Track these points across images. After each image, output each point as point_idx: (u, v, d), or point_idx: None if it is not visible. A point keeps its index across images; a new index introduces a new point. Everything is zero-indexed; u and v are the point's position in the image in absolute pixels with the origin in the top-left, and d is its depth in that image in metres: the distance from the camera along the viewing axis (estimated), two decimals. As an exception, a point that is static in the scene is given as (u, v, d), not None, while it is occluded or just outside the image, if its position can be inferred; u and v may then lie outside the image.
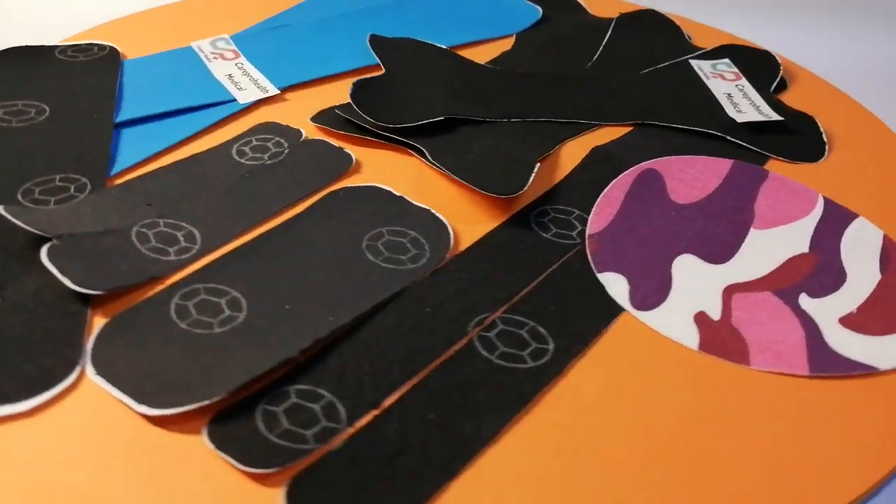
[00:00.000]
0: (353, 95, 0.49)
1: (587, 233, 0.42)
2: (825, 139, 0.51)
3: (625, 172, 0.46)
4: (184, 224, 0.42)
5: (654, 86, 0.55)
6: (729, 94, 0.54)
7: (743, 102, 0.53)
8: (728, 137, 0.51)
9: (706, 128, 0.51)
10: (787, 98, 0.56)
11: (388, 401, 0.33)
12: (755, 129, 0.51)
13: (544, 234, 0.42)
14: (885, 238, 0.43)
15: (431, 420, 0.32)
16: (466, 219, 0.43)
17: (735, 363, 0.36)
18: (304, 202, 0.44)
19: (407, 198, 0.44)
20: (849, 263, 0.41)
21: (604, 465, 0.31)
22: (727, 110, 0.52)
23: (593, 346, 0.36)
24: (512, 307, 0.38)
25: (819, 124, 0.52)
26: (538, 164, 0.46)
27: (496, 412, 0.33)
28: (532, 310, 0.38)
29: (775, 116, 0.51)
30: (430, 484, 0.30)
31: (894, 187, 0.48)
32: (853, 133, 0.53)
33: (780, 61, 0.58)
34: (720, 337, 0.37)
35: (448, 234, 0.41)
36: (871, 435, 0.33)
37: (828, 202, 0.45)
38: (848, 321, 0.38)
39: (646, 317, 0.37)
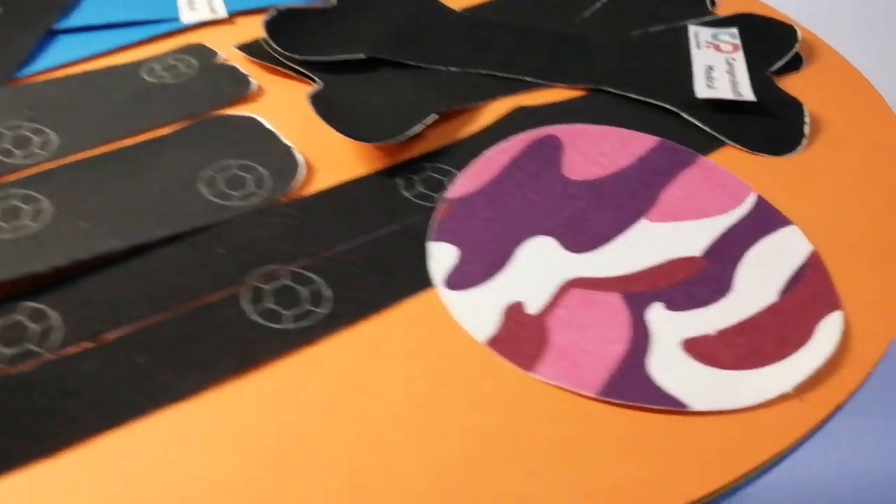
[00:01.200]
0: (268, 23, 0.46)
1: (446, 196, 0.37)
2: (806, 132, 0.42)
3: (520, 135, 0.40)
4: (47, 130, 0.41)
5: (630, 50, 0.48)
6: (710, 67, 0.46)
7: (721, 77, 0.45)
8: (683, 114, 0.43)
9: (663, 101, 0.44)
10: (802, 82, 0.47)
11: (113, 335, 0.30)
12: (722, 110, 0.43)
13: (404, 192, 0.37)
14: (812, 256, 0.34)
15: (137, 363, 0.29)
16: (337, 165, 0.39)
17: (517, 367, 0.30)
18: (180, 124, 0.41)
19: (278, 134, 0.40)
20: (743, 278, 0.33)
21: (308, 450, 0.27)
22: (696, 84, 0.44)
23: (372, 320, 0.32)
24: (314, 263, 0.34)
25: (805, 114, 0.43)
26: (434, 116, 0.41)
27: (209, 370, 0.29)
28: (333, 269, 0.33)
29: (749, 97, 0.43)
30: (79, 430, 0.27)
31: (871, 200, 0.39)
32: (857, 132, 0.43)
33: (799, 37, 0.49)
34: (520, 335, 0.31)
35: (294, 176, 0.38)
36: (613, 486, 0.27)
37: (760, 203, 0.37)
38: (694, 345, 0.31)
39: (450, 297, 0.32)
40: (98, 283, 0.32)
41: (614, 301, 0.32)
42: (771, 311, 0.32)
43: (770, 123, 0.43)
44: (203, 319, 0.31)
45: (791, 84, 0.47)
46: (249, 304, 0.32)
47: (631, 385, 0.29)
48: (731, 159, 0.40)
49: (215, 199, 0.37)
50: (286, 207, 0.36)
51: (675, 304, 0.32)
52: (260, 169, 0.38)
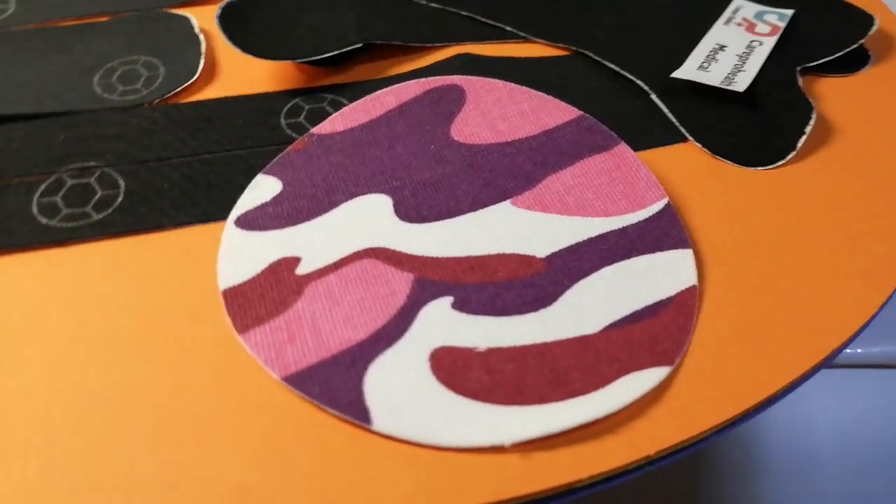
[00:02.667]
0: (220, 18, 0.37)
1: (311, 130, 0.33)
2: (797, 145, 0.33)
3: (422, 80, 0.34)
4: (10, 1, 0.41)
5: (639, 17, 0.40)
6: (721, 47, 0.37)
7: (725, 61, 0.36)
8: (651, 95, 0.35)
9: (638, 77, 0.36)
10: (856, 85, 0.37)
11: None
12: (708, 100, 0.35)
13: (282, 120, 0.34)
14: (687, 293, 0.27)
15: None
16: (240, 81, 0.36)
17: (232, 325, 0.26)
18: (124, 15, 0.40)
19: (201, 38, 0.38)
20: (576, 296, 0.26)
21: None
22: (685, 64, 0.36)
23: (141, 238, 0.29)
24: (132, 169, 0.31)
25: (808, 125, 0.34)
26: (356, 44, 0.36)
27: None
28: (145, 178, 0.31)
29: (738, 87, 0.34)
30: None
31: (834, 248, 0.29)
32: (879, 157, 0.33)
33: (871, 31, 0.38)
34: (267, 294, 0.26)
35: (186, 81, 0.35)
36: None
37: (663, 214, 0.29)
38: (444, 357, 0.24)
39: (230, 235, 0.28)
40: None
41: (401, 284, 0.27)
42: (574, 344, 0.25)
43: (758, 126, 0.34)
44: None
45: (839, 85, 0.37)
46: (38, 195, 0.30)
47: (329, 380, 0.24)
48: (706, 160, 0.32)
49: (98, 91, 0.35)
50: (152, 110, 0.34)
51: (466, 305, 0.26)
52: (161, 68, 0.36)
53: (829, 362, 0.25)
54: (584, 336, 0.25)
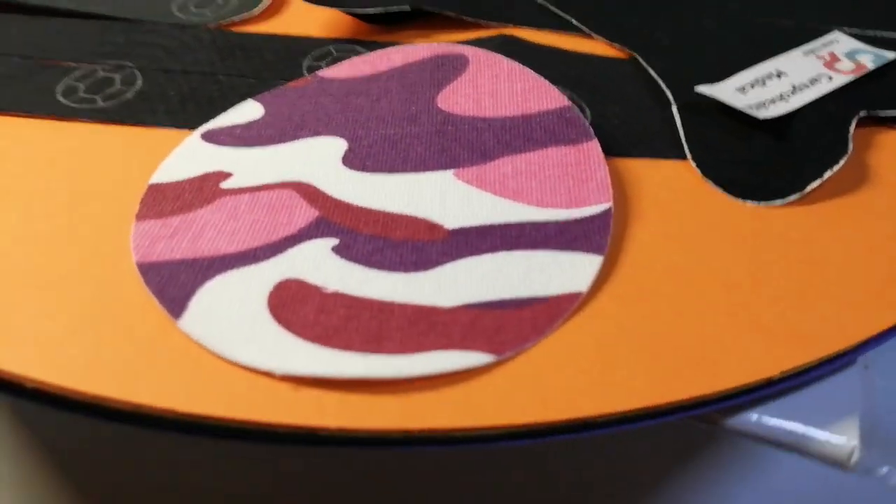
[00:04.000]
0: None
1: (316, 73, 0.34)
2: (807, 188, 0.29)
3: (434, 45, 0.34)
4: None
5: (715, 29, 0.37)
6: (776, 74, 0.33)
7: (771, 86, 0.32)
8: (672, 108, 0.33)
9: (669, 88, 0.33)
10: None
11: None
12: (731, 124, 0.31)
13: (301, 60, 0.36)
14: (570, 297, 0.25)
15: None
16: (296, 21, 0.38)
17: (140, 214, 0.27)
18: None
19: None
20: (459, 270, 0.25)
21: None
22: (724, 82, 0.33)
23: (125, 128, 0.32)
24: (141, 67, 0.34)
25: (831, 169, 0.29)
26: (405, 7, 0.37)
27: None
28: (157, 81, 0.34)
29: (758, 114, 0.31)
30: None
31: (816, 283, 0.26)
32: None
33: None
34: (184, 193, 0.28)
35: (248, 11, 0.38)
36: None
37: (598, 218, 0.27)
38: (286, 290, 0.25)
39: (186, 142, 0.30)
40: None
41: (302, 218, 0.27)
42: (417, 311, 0.24)
43: (774, 160, 0.30)
44: (26, 72, 0.34)
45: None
46: (69, 78, 0.34)
47: (173, 277, 0.25)
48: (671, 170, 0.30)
49: (173, 10, 0.39)
50: (204, 32, 0.37)
51: (346, 251, 0.26)
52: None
53: (665, 415, 0.22)
54: (433, 307, 0.24)
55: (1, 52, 0.35)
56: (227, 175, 0.29)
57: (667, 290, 0.26)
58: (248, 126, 0.31)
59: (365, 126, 0.31)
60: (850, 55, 0.35)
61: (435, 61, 0.33)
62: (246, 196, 0.28)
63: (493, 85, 0.32)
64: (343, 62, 0.34)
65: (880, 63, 0.34)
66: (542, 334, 0.24)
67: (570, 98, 0.33)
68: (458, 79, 0.33)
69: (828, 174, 0.29)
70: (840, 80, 0.33)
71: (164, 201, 0.28)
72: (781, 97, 0.32)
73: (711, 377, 0.23)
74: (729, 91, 0.32)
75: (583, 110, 0.33)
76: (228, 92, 0.34)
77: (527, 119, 0.31)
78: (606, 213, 0.27)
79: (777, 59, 0.35)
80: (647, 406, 0.22)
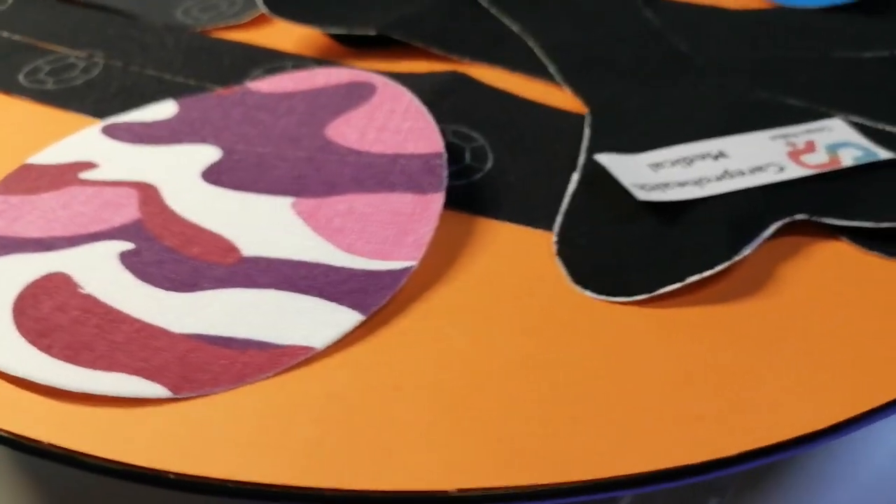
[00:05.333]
0: None
1: (246, 83, 0.34)
2: (656, 290, 0.24)
3: (355, 70, 0.33)
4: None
5: (707, 97, 0.32)
6: (718, 154, 0.28)
7: (697, 168, 0.28)
8: (575, 175, 0.29)
9: (586, 151, 0.30)
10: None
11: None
12: (624, 202, 0.27)
13: (254, 72, 0.36)
14: (301, 349, 0.22)
15: None
16: (273, 32, 0.39)
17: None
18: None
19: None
20: (221, 299, 0.24)
21: None
22: (645, 154, 0.28)
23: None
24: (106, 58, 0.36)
25: (693, 276, 0.24)
26: (370, 31, 0.36)
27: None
28: (111, 74, 0.36)
29: (639, 195, 0.26)
30: None
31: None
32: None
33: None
34: (47, 172, 0.29)
35: (237, 18, 0.39)
36: None
37: (391, 275, 0.24)
38: (41, 281, 0.24)
39: (87, 132, 0.31)
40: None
41: (122, 218, 0.27)
42: (150, 330, 0.23)
43: (644, 248, 0.26)
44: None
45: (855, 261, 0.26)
46: (46, 60, 0.37)
47: None
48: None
49: (177, 14, 0.40)
50: (184, 34, 0.38)
51: (131, 257, 0.25)
52: (229, 6, 0.40)
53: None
54: (163, 329, 0.23)
55: (5, 29, 0.39)
56: (92, 166, 0.30)
57: (407, 367, 0.22)
58: (149, 125, 0.32)
59: (248, 141, 0.31)
60: (832, 148, 0.29)
61: (348, 87, 0.32)
62: (92, 189, 0.29)
63: (385, 120, 0.30)
64: (274, 77, 0.34)
65: (864, 161, 0.28)
66: (240, 382, 0.22)
67: (474, 145, 0.31)
68: (358, 108, 0.31)
69: (691, 279, 0.24)
70: (794, 173, 0.28)
71: (23, 181, 0.29)
72: (699, 182, 0.27)
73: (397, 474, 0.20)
74: (631, 165, 0.28)
75: (481, 158, 0.30)
76: (164, 91, 0.35)
77: (395, 159, 0.29)
78: (403, 272, 0.25)
79: (732, 138, 0.29)
80: (284, 484, 0.19)
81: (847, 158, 0.28)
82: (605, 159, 0.28)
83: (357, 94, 0.32)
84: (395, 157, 0.29)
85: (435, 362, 0.23)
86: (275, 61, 0.36)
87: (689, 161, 0.28)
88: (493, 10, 0.39)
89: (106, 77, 0.36)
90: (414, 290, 0.25)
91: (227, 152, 0.30)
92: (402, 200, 0.27)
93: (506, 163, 0.30)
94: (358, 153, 0.29)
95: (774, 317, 0.24)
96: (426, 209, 0.26)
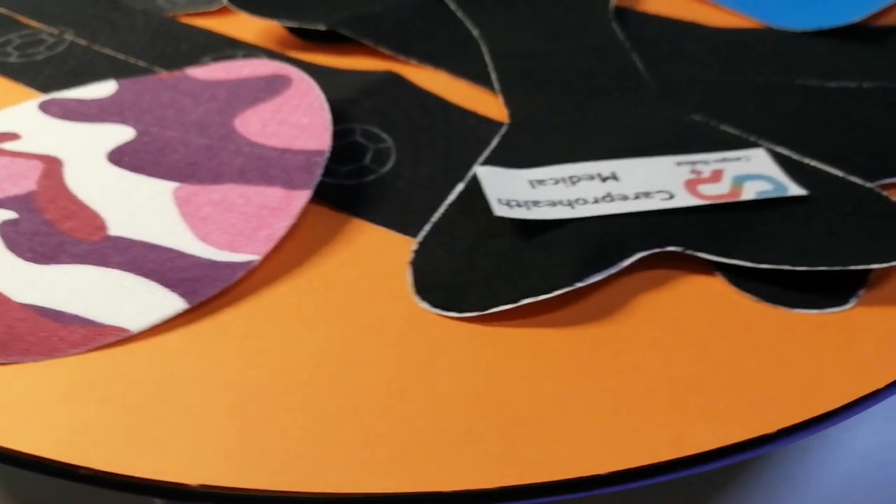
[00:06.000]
0: None
1: (185, 69, 0.34)
2: (494, 308, 0.23)
3: (277, 63, 0.33)
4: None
5: (640, 118, 0.31)
6: (610, 177, 0.27)
7: (582, 189, 0.26)
8: (460, 186, 0.28)
9: (481, 162, 0.29)
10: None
11: None
12: (491, 216, 0.26)
13: (204, 59, 0.36)
14: (111, 330, 0.23)
15: None
16: (243, 27, 0.39)
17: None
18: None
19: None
20: (69, 274, 0.25)
21: None
22: (529, 170, 0.27)
23: None
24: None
25: (534, 296, 0.23)
26: (320, 26, 0.36)
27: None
28: (73, 52, 0.37)
29: (498, 212, 0.25)
30: None
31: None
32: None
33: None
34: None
35: (202, 7, 0.40)
36: None
37: (230, 267, 0.24)
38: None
39: (24, 105, 0.33)
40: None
41: (20, 189, 0.28)
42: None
43: (497, 265, 0.25)
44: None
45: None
46: (19, 34, 0.38)
47: None
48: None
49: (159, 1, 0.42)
50: (153, 18, 0.39)
51: (8, 228, 0.26)
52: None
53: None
54: (10, 300, 0.24)
55: None
56: (16, 137, 0.31)
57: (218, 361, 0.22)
58: (83, 102, 0.33)
59: (163, 125, 0.31)
60: (739, 179, 0.27)
61: (268, 80, 0.32)
62: (5, 159, 0.30)
63: (288, 114, 0.30)
64: (212, 65, 0.34)
65: (767, 196, 0.26)
66: (50, 355, 0.22)
67: (381, 146, 0.30)
68: (269, 101, 0.31)
69: (525, 301, 0.23)
70: (683, 202, 0.26)
71: None
72: (573, 202, 0.26)
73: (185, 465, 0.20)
74: (509, 180, 0.27)
75: (382, 160, 0.30)
76: (115, 71, 0.36)
77: (282, 154, 0.29)
78: (242, 266, 0.25)
79: (632, 161, 0.28)
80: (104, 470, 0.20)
81: (750, 192, 0.27)
82: (484, 172, 0.27)
83: (273, 87, 0.32)
84: (283, 152, 0.29)
85: (244, 358, 0.23)
86: (227, 50, 0.37)
87: (574, 180, 0.27)
88: (459, 14, 0.39)
89: (66, 54, 0.37)
90: (255, 284, 0.25)
91: (140, 134, 0.31)
92: (273, 195, 0.27)
93: (404, 167, 0.30)
94: (253, 145, 0.29)
95: (609, 347, 0.23)
96: (289, 205, 0.26)
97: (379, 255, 0.26)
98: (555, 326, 0.24)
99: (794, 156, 0.29)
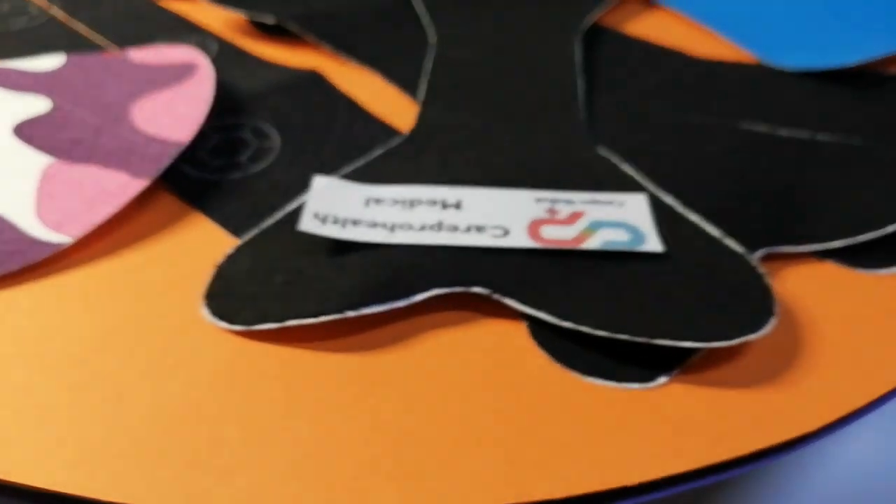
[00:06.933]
0: None
1: (128, 50, 0.35)
2: (258, 326, 0.22)
3: (192, 52, 0.32)
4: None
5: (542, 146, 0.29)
6: (443, 204, 0.25)
7: (418, 214, 0.25)
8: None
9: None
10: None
11: None
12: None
13: (160, 40, 0.37)
14: None
15: None
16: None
17: None
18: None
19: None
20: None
21: None
22: (364, 186, 0.26)
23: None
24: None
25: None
26: (269, 18, 0.36)
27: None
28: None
29: (303, 226, 0.24)
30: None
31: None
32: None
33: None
34: None
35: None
36: None
37: (38, 246, 0.24)
38: None
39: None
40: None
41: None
42: None
43: (285, 280, 0.23)
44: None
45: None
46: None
47: None
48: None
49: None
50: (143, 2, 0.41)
51: None
52: None
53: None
54: None
55: None
56: None
57: None
58: (24, 73, 0.34)
59: (77, 102, 0.32)
60: (595, 225, 0.25)
61: (179, 67, 0.32)
62: (-75, 117, 0.32)
63: (177, 104, 0.30)
64: (147, 48, 0.35)
65: (615, 248, 0.24)
66: None
67: (264, 145, 0.30)
68: (169, 89, 0.31)
69: (290, 322, 0.22)
70: (516, 242, 0.24)
71: None
72: (394, 227, 0.24)
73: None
74: (342, 193, 0.25)
75: (259, 159, 0.29)
76: (72, 47, 0.37)
77: (150, 142, 0.29)
78: (49, 247, 0.25)
79: (487, 191, 0.26)
80: None
81: (595, 241, 0.24)
82: (320, 182, 0.26)
83: (178, 75, 0.32)
84: (151, 140, 0.29)
85: (11, 343, 0.23)
86: (184, 34, 0.38)
87: (413, 204, 0.25)
88: (425, 20, 0.37)
89: (40, 27, 0.39)
90: (63, 267, 0.25)
91: (54, 109, 0.32)
92: (115, 180, 0.27)
93: (276, 170, 0.29)
94: (134, 131, 0.30)
95: (369, 385, 0.21)
96: (123, 193, 0.26)
97: (200, 254, 0.25)
98: (332, 352, 0.22)
99: (679, 207, 0.26)
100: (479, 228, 0.24)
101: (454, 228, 0.24)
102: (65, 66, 0.34)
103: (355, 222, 0.24)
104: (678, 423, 0.20)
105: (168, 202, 0.28)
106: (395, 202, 0.25)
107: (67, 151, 0.29)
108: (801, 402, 0.21)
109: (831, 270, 0.25)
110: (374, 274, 0.23)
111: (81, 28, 0.39)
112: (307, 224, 0.24)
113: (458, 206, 0.25)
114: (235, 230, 0.26)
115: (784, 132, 0.30)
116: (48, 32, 0.38)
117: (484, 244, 0.24)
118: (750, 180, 0.27)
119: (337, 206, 0.25)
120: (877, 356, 0.22)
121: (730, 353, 0.22)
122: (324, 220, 0.24)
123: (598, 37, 0.37)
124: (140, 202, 0.27)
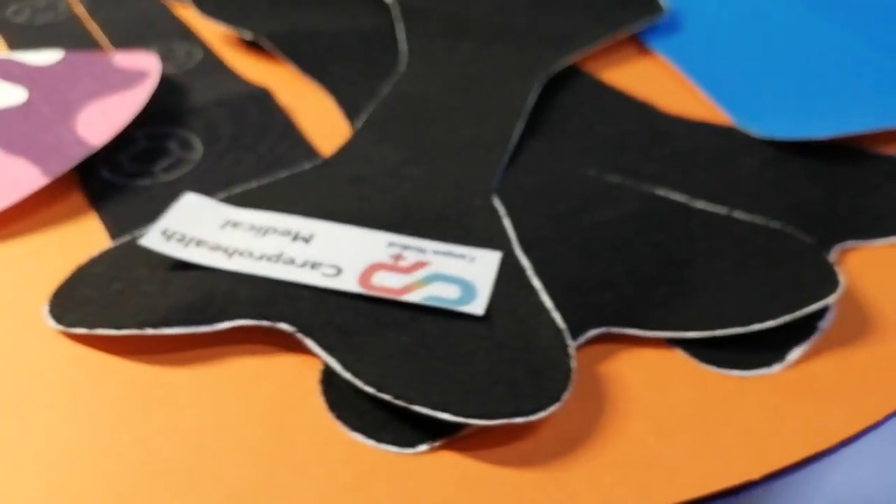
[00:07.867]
0: None
1: (108, 53, 0.37)
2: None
3: (151, 59, 0.34)
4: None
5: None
6: (294, 235, 0.25)
7: (269, 242, 0.25)
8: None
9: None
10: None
11: None
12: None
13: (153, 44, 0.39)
14: None
15: None
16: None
17: None
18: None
19: None
20: None
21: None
22: (233, 209, 0.26)
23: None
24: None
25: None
26: (247, 35, 0.37)
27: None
28: None
29: (145, 241, 0.24)
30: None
31: None
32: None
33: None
34: None
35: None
36: None
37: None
38: None
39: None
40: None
41: None
42: None
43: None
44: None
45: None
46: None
47: None
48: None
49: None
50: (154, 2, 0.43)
51: None
52: None
53: None
54: None
55: None
56: None
57: None
58: (21, 65, 0.37)
59: (48, 98, 0.34)
60: (431, 278, 0.24)
61: (136, 73, 0.34)
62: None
63: (115, 109, 0.32)
64: (128, 52, 0.37)
65: (438, 304, 0.23)
66: None
67: (183, 156, 0.31)
68: (119, 93, 0.33)
69: (99, 331, 0.23)
70: (343, 285, 0.24)
71: None
72: (234, 253, 0.25)
73: None
74: (202, 213, 0.26)
75: (172, 170, 0.30)
76: (79, 45, 0.40)
77: (76, 141, 0.30)
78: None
79: (347, 229, 0.26)
80: None
81: (420, 294, 0.23)
82: (188, 199, 0.27)
83: (129, 80, 0.34)
84: (77, 141, 0.30)
85: None
86: (176, 41, 0.39)
87: (265, 231, 0.26)
88: (403, 48, 0.37)
89: (60, 24, 0.42)
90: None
91: (26, 102, 0.34)
92: (30, 174, 0.29)
93: (186, 182, 0.30)
94: (70, 131, 0.31)
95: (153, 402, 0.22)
96: (26, 187, 0.28)
97: (77, 254, 0.27)
98: (137, 364, 0.23)
99: (529, 271, 0.25)
100: (314, 265, 0.24)
101: (290, 262, 0.24)
102: (58, 63, 0.37)
103: (199, 243, 0.25)
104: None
105: (76, 201, 0.29)
106: (251, 228, 0.26)
107: (9, 143, 0.31)
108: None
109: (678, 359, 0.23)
110: (187, 296, 0.23)
111: (94, 28, 0.41)
112: (149, 239, 0.25)
113: (308, 239, 0.25)
114: (119, 235, 0.27)
115: (700, 204, 0.28)
116: (65, 30, 0.41)
117: (310, 282, 0.24)
118: (626, 252, 0.26)
119: (191, 226, 0.26)
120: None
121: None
122: (170, 237, 0.25)
123: (574, 81, 0.36)
124: (52, 198, 0.29)
